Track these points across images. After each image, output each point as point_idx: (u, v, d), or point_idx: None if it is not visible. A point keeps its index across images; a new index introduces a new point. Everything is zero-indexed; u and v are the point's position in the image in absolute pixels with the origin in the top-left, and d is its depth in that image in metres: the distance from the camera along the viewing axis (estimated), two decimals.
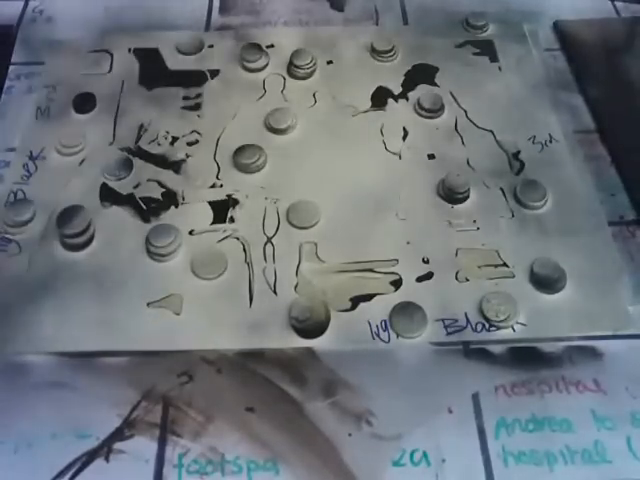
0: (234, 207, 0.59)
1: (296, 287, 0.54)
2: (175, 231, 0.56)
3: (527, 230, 0.57)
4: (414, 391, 0.49)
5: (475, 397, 0.49)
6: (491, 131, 0.64)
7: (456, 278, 0.54)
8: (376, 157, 0.62)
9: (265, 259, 0.56)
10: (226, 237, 0.57)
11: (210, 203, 0.59)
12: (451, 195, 0.58)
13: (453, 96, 0.67)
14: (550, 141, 0.63)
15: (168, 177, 0.61)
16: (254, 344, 0.51)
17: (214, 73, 0.69)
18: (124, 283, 0.54)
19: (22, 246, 0.57)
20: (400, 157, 0.62)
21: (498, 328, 0.51)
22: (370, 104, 0.66)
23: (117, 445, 0.47)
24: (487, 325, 0.52)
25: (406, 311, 0.52)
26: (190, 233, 0.57)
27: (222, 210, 0.59)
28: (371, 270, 0.55)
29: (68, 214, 0.57)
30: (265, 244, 0.57)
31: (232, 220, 0.58)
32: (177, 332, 0.52)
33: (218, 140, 0.64)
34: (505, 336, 0.51)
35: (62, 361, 0.50)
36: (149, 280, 0.55)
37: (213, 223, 0.58)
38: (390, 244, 0.56)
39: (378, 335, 0.51)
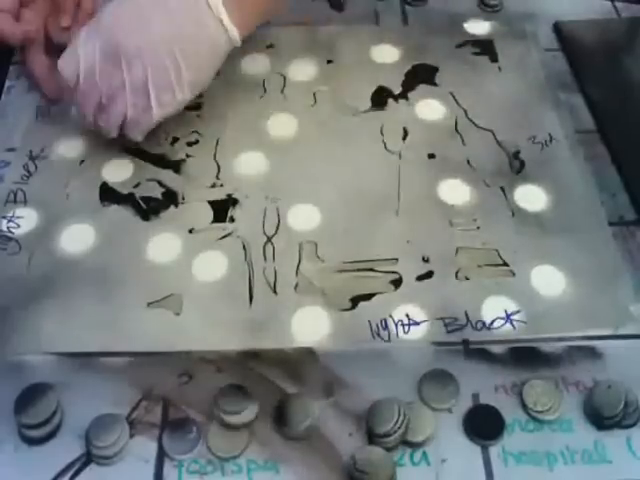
0: (234, 207, 0.59)
1: (296, 287, 0.54)
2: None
3: (527, 230, 0.57)
4: (414, 391, 0.49)
5: (475, 397, 0.49)
6: (491, 131, 0.64)
7: (456, 277, 0.54)
8: (376, 157, 0.62)
9: (265, 259, 0.56)
10: (226, 236, 0.57)
11: (210, 203, 0.59)
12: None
13: (453, 96, 0.67)
14: (550, 141, 0.63)
15: (168, 177, 0.61)
16: (254, 344, 0.51)
17: None
18: (124, 283, 0.54)
19: (22, 245, 0.57)
20: (400, 157, 0.62)
21: (531, 417, 0.48)
22: (370, 104, 0.66)
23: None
24: (487, 323, 0.52)
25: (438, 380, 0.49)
26: (190, 232, 0.57)
27: (222, 209, 0.59)
28: (371, 269, 0.55)
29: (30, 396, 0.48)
30: (265, 244, 0.57)
31: (232, 220, 0.58)
32: (177, 332, 0.52)
33: (218, 140, 0.64)
34: (506, 335, 0.51)
35: (62, 361, 0.50)
36: (149, 280, 0.55)
37: (213, 222, 0.58)
38: (390, 243, 0.56)
39: (378, 334, 0.51)
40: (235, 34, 0.59)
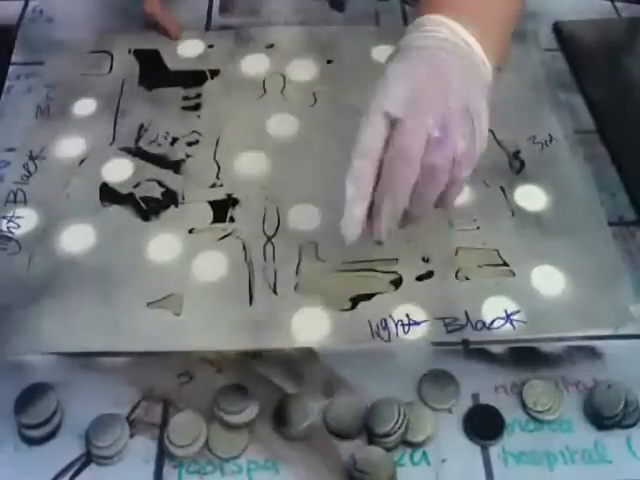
0: (234, 207, 0.59)
1: (296, 287, 0.54)
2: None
3: (527, 230, 0.57)
4: (414, 391, 0.49)
5: (475, 397, 0.49)
6: (491, 131, 0.64)
7: (456, 277, 0.54)
8: None
9: (265, 259, 0.56)
10: (226, 236, 0.57)
11: (210, 202, 0.59)
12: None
13: None
14: (550, 141, 0.63)
15: (168, 177, 0.61)
16: (254, 344, 0.51)
17: (214, 73, 0.69)
18: (124, 283, 0.54)
19: (22, 245, 0.57)
20: None
21: (531, 417, 0.48)
22: None
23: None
24: (487, 323, 0.52)
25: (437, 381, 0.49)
26: (190, 232, 0.57)
27: (222, 209, 0.59)
28: (371, 269, 0.55)
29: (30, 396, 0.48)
30: (265, 244, 0.57)
31: (232, 220, 0.58)
32: (177, 332, 0.52)
33: (218, 140, 0.64)
34: (506, 335, 0.51)
35: (62, 361, 0.50)
36: (149, 280, 0.55)
37: (213, 222, 0.58)
38: (390, 243, 0.56)
39: (378, 334, 0.51)
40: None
